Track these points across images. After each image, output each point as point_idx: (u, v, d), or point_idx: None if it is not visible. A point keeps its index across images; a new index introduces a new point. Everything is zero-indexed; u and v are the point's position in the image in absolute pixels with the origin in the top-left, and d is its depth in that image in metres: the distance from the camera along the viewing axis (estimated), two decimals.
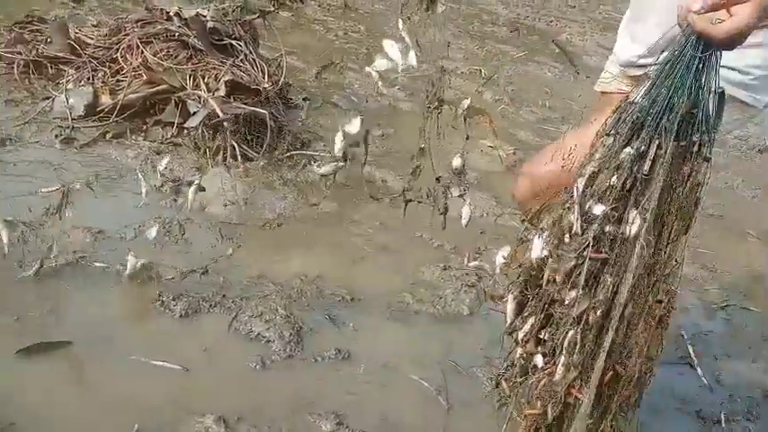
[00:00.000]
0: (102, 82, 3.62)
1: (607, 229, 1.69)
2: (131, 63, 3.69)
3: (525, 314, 1.89)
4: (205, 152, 3.33)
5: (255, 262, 2.55)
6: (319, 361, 2.11)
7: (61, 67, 3.86)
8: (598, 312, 1.68)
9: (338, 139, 1.82)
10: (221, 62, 3.71)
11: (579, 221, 1.71)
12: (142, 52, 3.70)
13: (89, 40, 3.93)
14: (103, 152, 3.25)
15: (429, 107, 1.75)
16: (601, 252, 1.70)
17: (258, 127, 3.53)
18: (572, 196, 1.74)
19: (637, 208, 1.65)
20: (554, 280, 1.79)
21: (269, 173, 3.32)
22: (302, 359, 2.10)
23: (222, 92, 3.50)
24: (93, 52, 3.86)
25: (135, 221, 2.67)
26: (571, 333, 1.72)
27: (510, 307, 1.92)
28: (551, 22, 7.77)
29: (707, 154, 1.65)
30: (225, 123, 3.27)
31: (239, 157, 3.31)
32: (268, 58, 4.22)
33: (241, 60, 3.80)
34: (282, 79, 3.89)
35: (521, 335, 1.90)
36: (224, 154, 3.30)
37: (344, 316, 2.32)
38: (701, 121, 1.63)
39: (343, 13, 6.70)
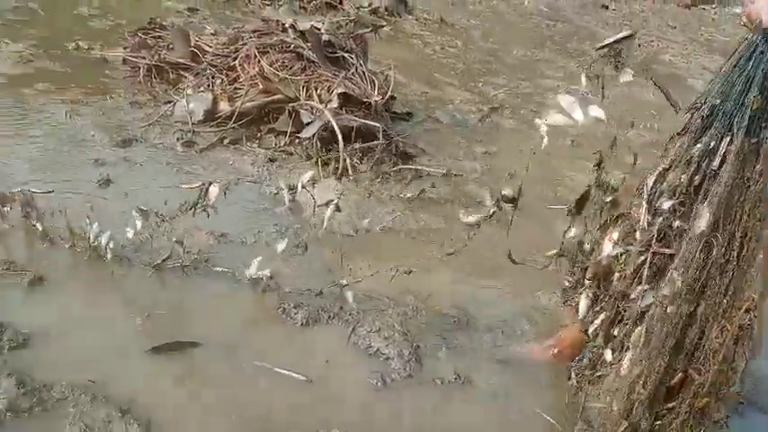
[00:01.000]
0: (221, 89, 3.75)
1: (675, 224, 1.71)
2: (248, 72, 3.82)
3: (596, 309, 1.89)
4: (317, 162, 3.39)
5: (367, 275, 2.56)
6: (439, 384, 2.08)
7: (181, 72, 4.04)
8: (664, 308, 1.64)
9: (487, 195, 1.86)
10: (334, 74, 3.78)
11: (646, 216, 1.73)
12: (259, 62, 3.82)
13: (208, 48, 4.09)
14: (221, 156, 3.36)
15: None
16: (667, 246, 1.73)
17: (367, 139, 3.57)
18: (641, 193, 1.77)
19: (704, 203, 1.63)
20: (624, 275, 1.82)
21: (377, 186, 3.34)
22: (422, 381, 2.08)
23: (335, 104, 3.57)
24: (212, 60, 4.02)
25: (254, 227, 2.75)
26: (638, 329, 1.71)
27: (583, 303, 1.95)
28: (652, 41, 7.53)
29: None
30: (338, 136, 3.32)
31: (350, 169, 3.36)
32: (374, 71, 4.28)
33: (352, 73, 3.86)
34: (390, 93, 3.93)
35: (591, 329, 1.91)
36: (336, 165, 3.35)
37: (461, 338, 2.29)
38: None
39: (439, 28, 6.72)
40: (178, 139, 3.41)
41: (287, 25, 4.09)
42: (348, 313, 2.31)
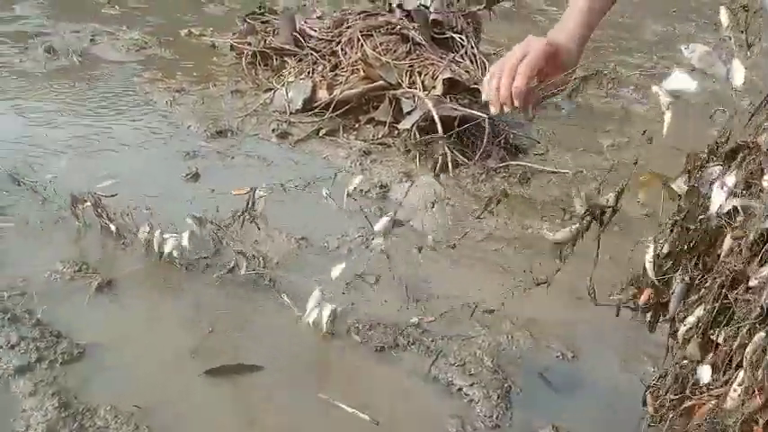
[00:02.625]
0: (321, 76, 3.55)
1: None
2: (350, 57, 3.59)
3: (692, 299, 1.24)
4: (415, 156, 3.10)
5: (460, 292, 2.24)
6: None
7: (285, 59, 3.89)
8: None
9: (578, 202, 1.42)
10: (440, 58, 3.45)
11: None
12: (362, 46, 3.58)
13: (312, 33, 3.91)
14: (316, 149, 3.17)
15: None
16: None
17: (473, 130, 3.22)
18: None
19: None
20: (739, 250, 1.14)
21: (480, 183, 2.99)
22: None
23: (439, 90, 3.24)
24: (315, 45, 3.83)
25: (338, 230, 2.52)
26: (759, 336, 1.09)
27: (678, 289, 1.26)
28: None
29: None
30: (438, 126, 2.99)
31: (450, 164, 3.03)
32: (488, 53, 3.88)
33: (461, 56, 3.50)
34: None
35: (682, 330, 1.25)
36: (434, 161, 3.03)
37: (564, 379, 1.92)
38: None
39: (568, 2, 6.11)
40: (273, 130, 3.26)
41: (394, 5, 3.80)
42: (431, 339, 2.02)
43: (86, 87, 3.50)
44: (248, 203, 2.09)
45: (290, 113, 3.41)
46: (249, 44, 4.00)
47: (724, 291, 1.18)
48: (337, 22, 3.88)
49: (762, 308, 1.12)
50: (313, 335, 1.97)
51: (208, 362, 1.83)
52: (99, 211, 2.19)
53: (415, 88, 3.33)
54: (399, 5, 3.76)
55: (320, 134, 3.29)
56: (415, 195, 2.83)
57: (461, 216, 2.75)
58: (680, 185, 1.27)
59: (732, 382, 1.16)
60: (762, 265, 1.12)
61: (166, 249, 2.10)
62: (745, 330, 1.14)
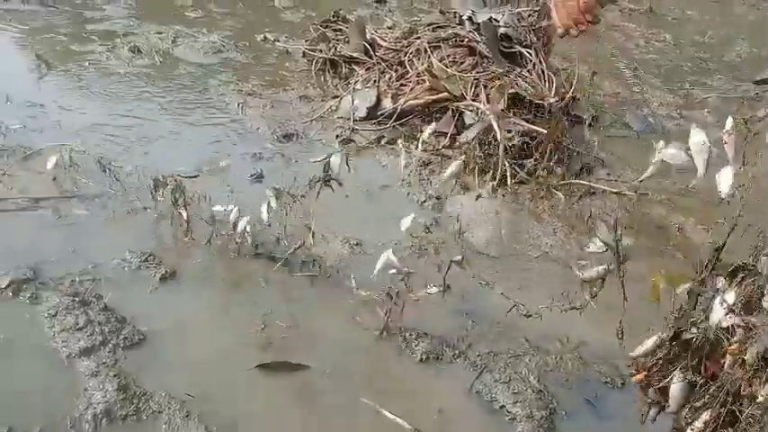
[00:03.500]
0: (387, 85, 3.61)
1: None
2: (416, 68, 3.63)
3: (697, 404, 1.30)
4: (474, 169, 3.10)
5: (510, 308, 2.23)
6: None
7: (354, 66, 3.98)
8: None
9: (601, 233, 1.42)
10: (506, 72, 3.44)
11: None
12: (429, 57, 3.61)
13: (382, 42, 3.97)
14: (376, 157, 3.22)
15: None
16: None
17: (536, 145, 3.19)
18: None
19: None
20: (741, 361, 1.21)
21: (540, 200, 2.96)
22: None
23: (502, 105, 3.23)
24: (384, 54, 3.89)
25: (392, 238, 2.55)
26: None
27: (675, 388, 1.35)
28: None
29: None
30: (499, 140, 2.99)
31: (509, 179, 3.02)
32: (558, 67, 3.84)
33: (528, 70, 3.48)
34: (570, 94, 3.49)
35: None
36: (494, 175, 3.03)
37: (611, 407, 1.89)
38: None
39: (647, 20, 5.95)
40: (337, 136, 3.34)
41: (464, 17, 3.81)
42: (477, 353, 2.02)
43: (166, 87, 3.69)
44: (325, 168, 2.13)
45: (354, 121, 3.47)
46: (320, 51, 4.11)
47: (728, 399, 1.24)
48: (407, 32, 3.93)
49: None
50: (361, 338, 2.01)
51: (260, 356, 1.91)
52: (176, 196, 2.29)
53: (479, 101, 3.33)
54: (469, 18, 3.78)
55: (382, 142, 3.34)
56: (472, 208, 2.86)
57: (516, 232, 2.73)
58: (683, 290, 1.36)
59: None
60: (765, 384, 1.17)
61: (240, 225, 2.18)
62: None
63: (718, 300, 1.27)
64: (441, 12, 4.06)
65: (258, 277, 2.26)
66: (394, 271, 2.01)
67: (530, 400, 1.85)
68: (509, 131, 3.01)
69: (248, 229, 2.25)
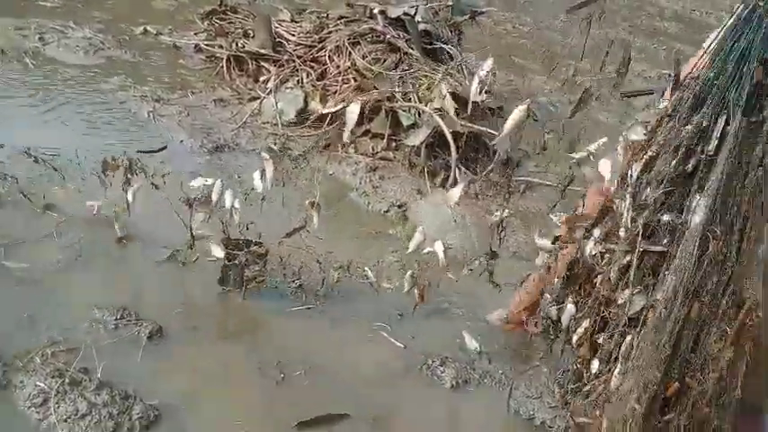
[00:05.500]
0: (312, 86, 3.43)
1: (665, 218, 1.49)
2: (338, 66, 3.49)
3: (578, 316, 1.67)
4: (422, 172, 3.08)
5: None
6: None
7: (262, 64, 3.71)
8: (657, 313, 1.45)
9: None
10: (433, 69, 3.43)
11: (631, 212, 1.50)
12: (350, 54, 3.48)
13: (290, 37, 3.75)
14: (319, 165, 3.06)
15: None
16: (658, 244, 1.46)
17: (469, 143, 3.24)
18: (626, 185, 1.53)
19: (700, 193, 1.43)
20: (608, 279, 1.57)
21: (490, 200, 3.03)
22: None
23: (437, 104, 3.22)
24: (295, 50, 3.69)
25: (372, 256, 2.45)
26: (628, 338, 1.51)
27: (568, 309, 1.68)
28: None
29: None
30: (451, 143, 2.99)
31: (457, 180, 3.04)
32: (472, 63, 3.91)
33: (454, 68, 3.50)
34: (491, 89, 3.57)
35: (575, 338, 1.68)
36: (445, 176, 3.03)
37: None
38: None
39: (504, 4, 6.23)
40: (270, 146, 3.10)
41: (375, 11, 3.72)
42: (500, 371, 2.03)
43: (52, 98, 3.15)
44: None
45: (283, 125, 3.27)
46: (221, 47, 3.79)
47: (601, 308, 1.59)
48: (317, 26, 3.75)
49: (625, 319, 1.52)
50: (385, 369, 1.93)
51: (292, 411, 1.74)
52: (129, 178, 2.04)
53: (409, 100, 3.30)
54: (382, 12, 3.69)
55: (319, 148, 3.19)
56: (434, 216, 2.83)
57: (484, 233, 2.76)
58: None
59: (613, 370, 1.54)
60: (623, 290, 1.53)
61: (228, 201, 1.99)
62: (617, 335, 1.55)
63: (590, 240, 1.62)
64: (348, 5, 3.91)
65: (250, 316, 2.05)
66: (429, 249, 1.98)
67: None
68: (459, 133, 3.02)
69: (237, 204, 2.03)
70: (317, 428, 1.73)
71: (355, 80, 3.37)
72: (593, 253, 1.61)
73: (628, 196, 1.53)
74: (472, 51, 4.07)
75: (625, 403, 1.50)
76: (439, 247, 2.00)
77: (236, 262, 2.02)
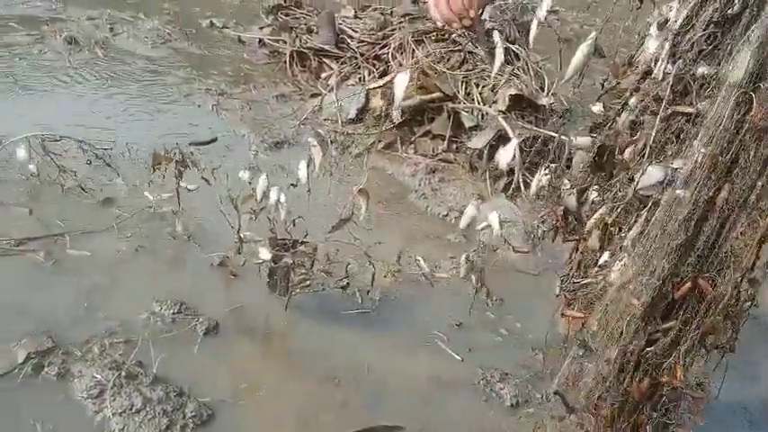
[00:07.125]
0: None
1: (700, 70, 1.22)
2: (401, 64, 3.42)
3: (597, 199, 1.48)
4: (483, 175, 2.99)
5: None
6: None
7: (324, 60, 3.69)
8: (675, 192, 1.20)
9: None
10: (499, 70, 3.32)
11: (665, 64, 1.25)
12: (414, 53, 3.42)
13: (353, 34, 3.72)
14: (378, 165, 3.02)
15: None
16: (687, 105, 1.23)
17: (538, 147, 3.13)
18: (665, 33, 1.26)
19: (742, 40, 1.14)
20: (636, 150, 1.35)
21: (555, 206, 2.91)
22: None
23: (502, 106, 3.13)
24: (358, 47, 3.65)
25: (428, 259, 2.38)
26: (636, 225, 1.31)
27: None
28: None
29: None
30: (515, 147, 2.88)
31: (522, 186, 2.94)
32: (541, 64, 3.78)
33: (520, 68, 3.39)
34: (553, 90, 3.45)
35: (590, 223, 1.47)
36: (507, 181, 2.93)
37: None
38: None
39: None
40: (332, 141, 3.08)
41: None
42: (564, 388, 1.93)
43: (119, 87, 3.22)
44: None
45: (343, 123, 3.23)
46: (284, 42, 3.78)
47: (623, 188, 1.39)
48: (381, 23, 3.70)
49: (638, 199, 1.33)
50: (439, 382, 1.86)
51: (345, 419, 1.70)
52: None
53: (472, 101, 3.21)
54: None
55: (378, 147, 3.14)
56: (491, 220, 2.74)
57: (545, 241, 2.66)
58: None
59: (615, 261, 1.38)
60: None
61: (273, 196, 1.91)
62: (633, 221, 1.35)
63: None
64: (413, 2, 3.85)
65: (302, 318, 2.02)
66: (484, 224, 1.89)
67: None
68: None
69: (282, 199, 1.96)
70: None
71: (418, 79, 3.30)
72: (625, 122, 1.41)
73: (666, 43, 1.28)
74: (539, 52, 3.95)
75: (620, 299, 1.34)
76: (494, 219, 1.87)
77: (283, 264, 1.97)
